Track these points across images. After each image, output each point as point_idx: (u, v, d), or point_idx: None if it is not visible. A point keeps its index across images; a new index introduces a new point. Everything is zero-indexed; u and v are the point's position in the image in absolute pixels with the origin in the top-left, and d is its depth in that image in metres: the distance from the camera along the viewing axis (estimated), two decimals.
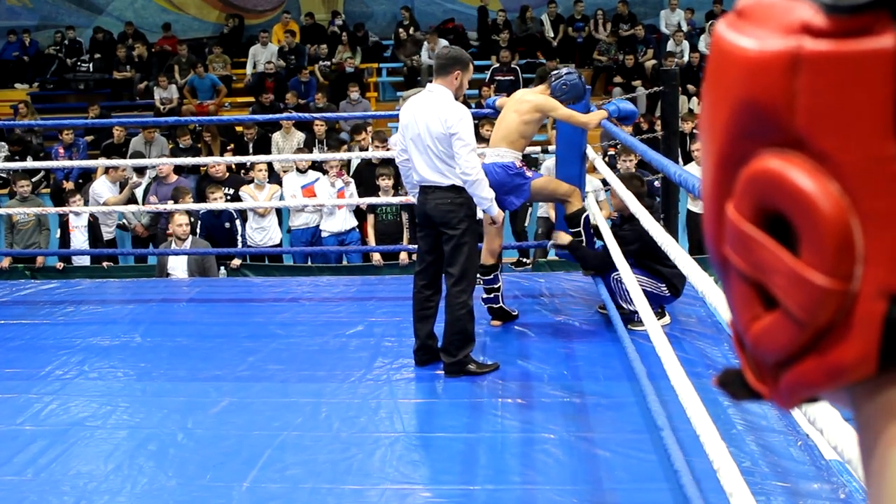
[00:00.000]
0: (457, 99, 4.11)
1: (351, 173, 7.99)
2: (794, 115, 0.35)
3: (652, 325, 3.19)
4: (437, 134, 3.99)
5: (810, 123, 0.34)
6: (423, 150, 4.04)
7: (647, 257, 4.48)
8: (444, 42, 13.01)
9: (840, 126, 0.34)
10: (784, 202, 0.35)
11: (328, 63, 13.00)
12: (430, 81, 4.17)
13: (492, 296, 4.84)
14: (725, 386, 0.43)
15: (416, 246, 6.86)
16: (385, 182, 7.22)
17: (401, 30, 13.59)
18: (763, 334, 0.38)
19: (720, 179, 0.38)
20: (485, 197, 4.07)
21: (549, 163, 6.73)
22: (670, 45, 12.50)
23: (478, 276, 4.99)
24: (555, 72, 5.01)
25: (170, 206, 6.94)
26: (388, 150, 8.20)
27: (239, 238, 7.28)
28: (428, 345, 4.24)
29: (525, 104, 4.78)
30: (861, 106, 0.33)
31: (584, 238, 4.90)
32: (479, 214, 7.11)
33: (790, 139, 0.35)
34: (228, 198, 7.55)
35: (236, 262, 7.23)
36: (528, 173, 4.79)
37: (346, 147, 8.80)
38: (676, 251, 2.81)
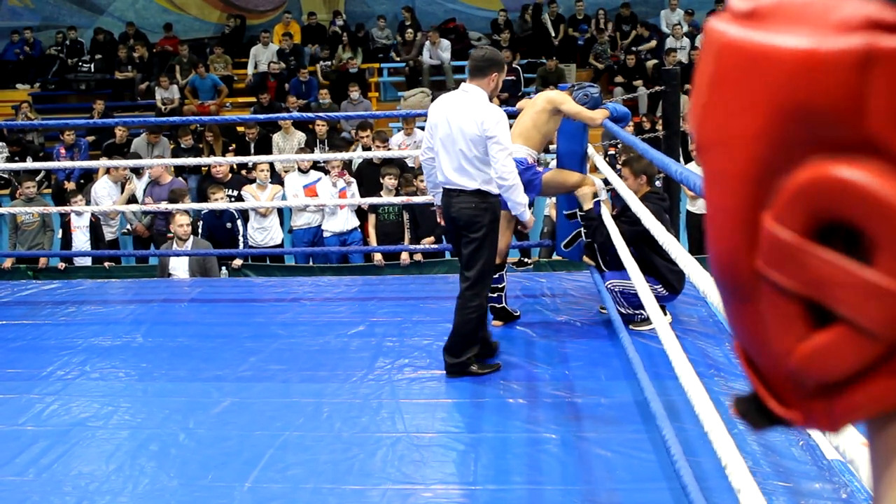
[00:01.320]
0: (490, 100, 4.04)
1: (353, 173, 8.00)
2: (865, 117, 0.32)
3: (659, 321, 3.19)
4: (471, 136, 3.90)
5: (887, 125, 0.32)
6: (453, 151, 3.96)
7: (649, 244, 4.47)
8: (446, 42, 13.03)
9: None
10: (857, 211, 0.33)
11: (329, 63, 13.00)
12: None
13: (495, 295, 4.84)
14: (745, 416, 0.41)
15: (417, 246, 6.92)
16: (390, 181, 7.21)
17: (408, 31, 13.59)
18: (819, 354, 0.35)
19: (751, 191, 0.35)
20: (519, 202, 4.00)
21: (551, 164, 6.73)
22: (670, 43, 12.50)
23: None
24: (577, 83, 5.14)
25: (171, 206, 6.94)
26: (388, 149, 8.20)
27: (241, 239, 7.29)
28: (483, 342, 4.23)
29: (539, 98, 4.89)
30: None
31: (599, 222, 4.89)
32: None
33: (856, 143, 0.33)
34: (231, 199, 7.56)
35: (238, 262, 7.23)
36: (539, 168, 4.84)
37: (353, 147, 8.81)
38: (677, 250, 2.81)
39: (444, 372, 4.16)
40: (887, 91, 0.31)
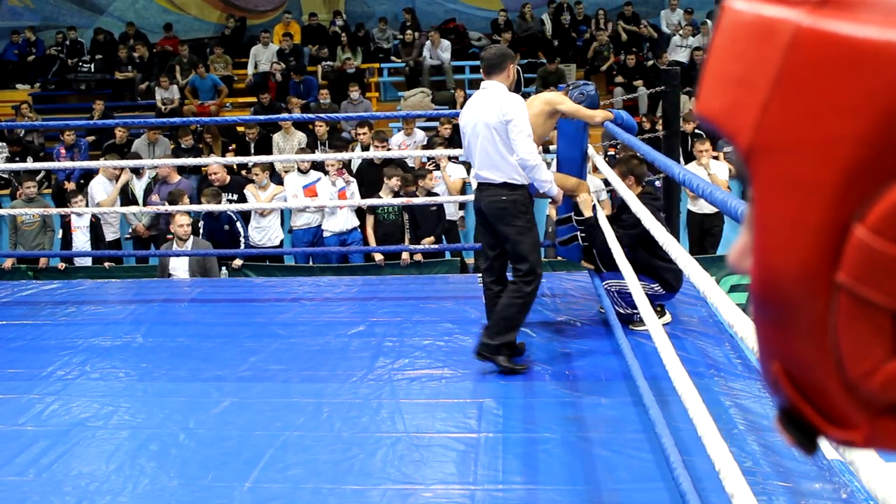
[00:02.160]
0: (510, 89, 4.19)
1: (352, 172, 8.00)
2: None
3: (653, 325, 3.19)
4: (494, 124, 4.05)
5: None
6: (481, 147, 4.11)
7: (646, 244, 4.47)
8: (446, 42, 13.03)
9: None
10: None
11: (329, 63, 13.00)
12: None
13: None
14: (799, 445, 0.39)
15: (416, 247, 6.92)
16: (395, 182, 7.21)
17: (407, 32, 13.59)
18: None
19: (840, 201, 0.32)
20: (544, 180, 4.15)
21: (552, 165, 6.73)
22: (674, 42, 12.50)
23: (481, 275, 5.00)
24: (573, 82, 5.14)
25: (171, 206, 6.94)
26: (388, 149, 8.21)
27: (242, 240, 7.29)
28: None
29: (536, 101, 4.89)
30: None
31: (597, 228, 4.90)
32: None
33: None
34: (231, 202, 7.56)
35: (238, 262, 7.24)
36: None
37: (351, 146, 8.80)
38: (677, 250, 2.81)
39: (475, 352, 4.13)
40: None
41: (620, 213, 4.77)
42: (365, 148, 8.40)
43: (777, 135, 0.34)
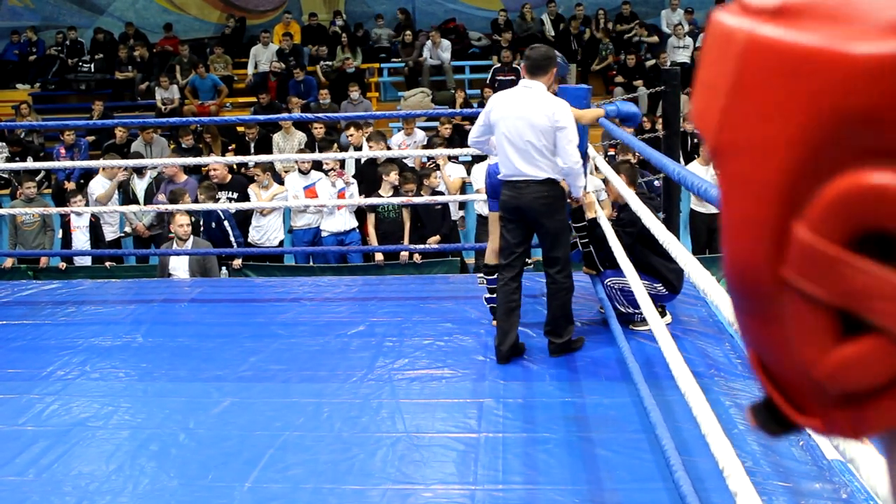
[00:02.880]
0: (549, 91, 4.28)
1: (354, 172, 8.00)
2: None
3: (656, 325, 3.19)
4: (542, 127, 4.10)
5: None
6: (523, 144, 4.13)
7: (645, 243, 4.47)
8: (446, 42, 13.03)
9: None
10: None
11: (328, 64, 13.00)
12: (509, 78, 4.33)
13: (495, 296, 4.84)
14: (763, 427, 0.40)
15: (416, 246, 6.92)
16: (392, 176, 7.19)
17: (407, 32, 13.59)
18: (849, 365, 0.34)
19: (782, 199, 0.34)
20: (580, 185, 4.35)
21: None
22: (671, 43, 12.50)
23: (482, 275, 5.00)
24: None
25: (171, 206, 6.94)
26: (388, 148, 8.20)
27: (232, 239, 7.29)
28: (514, 339, 4.33)
29: None
30: None
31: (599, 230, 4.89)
32: (482, 211, 7.12)
33: None
34: (232, 201, 7.56)
35: (238, 262, 7.24)
36: None
37: (336, 146, 8.74)
38: (677, 249, 2.81)
39: (548, 353, 4.35)
40: None
41: (622, 210, 4.76)
42: (357, 149, 8.37)
43: (732, 137, 0.36)
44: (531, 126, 4.11)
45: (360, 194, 7.63)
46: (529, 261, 7.28)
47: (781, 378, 0.38)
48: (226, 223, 7.29)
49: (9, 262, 7.34)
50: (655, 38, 13.04)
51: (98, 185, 8.27)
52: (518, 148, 4.14)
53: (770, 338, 0.37)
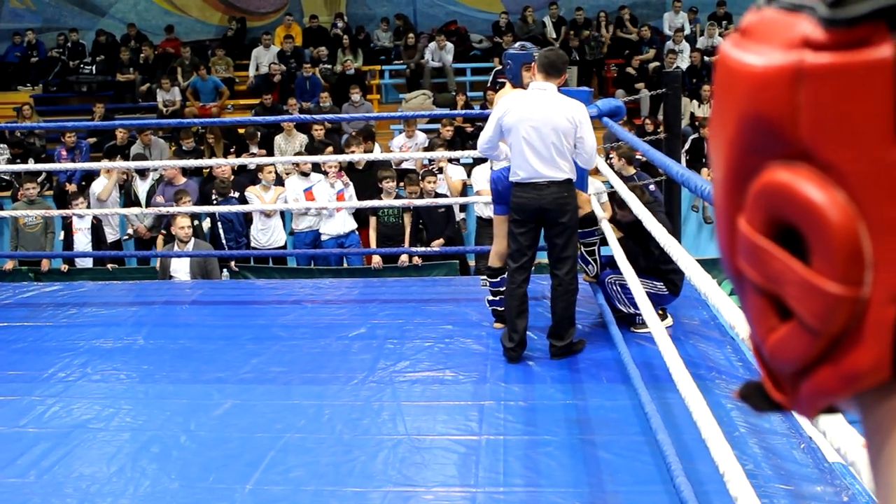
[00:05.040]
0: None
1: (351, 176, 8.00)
2: (799, 127, 0.35)
3: (656, 326, 3.19)
4: (564, 129, 4.14)
5: (815, 135, 0.35)
6: (543, 146, 4.15)
7: (647, 241, 4.46)
8: (449, 44, 13.03)
9: (843, 136, 0.34)
10: (793, 213, 0.36)
11: (328, 66, 13.00)
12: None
13: (497, 298, 4.84)
14: (747, 398, 0.44)
15: (417, 249, 6.92)
16: (388, 184, 7.21)
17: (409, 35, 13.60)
18: (779, 345, 0.38)
19: (731, 194, 0.39)
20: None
21: None
22: (670, 46, 12.49)
23: (485, 278, 4.99)
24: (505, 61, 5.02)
25: (172, 208, 6.95)
26: (388, 150, 8.20)
27: (223, 241, 7.29)
28: (523, 340, 4.37)
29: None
30: (863, 115, 0.34)
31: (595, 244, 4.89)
32: (483, 213, 7.11)
33: (797, 151, 0.36)
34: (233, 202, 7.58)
35: (231, 264, 7.24)
36: None
37: (330, 149, 8.69)
38: (678, 252, 2.81)
39: (550, 355, 4.35)
40: (813, 104, 0.35)
41: (622, 207, 4.75)
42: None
43: (710, 141, 0.41)
44: (554, 128, 4.13)
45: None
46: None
47: (763, 356, 0.42)
48: (219, 225, 7.30)
49: (10, 264, 7.34)
50: (656, 42, 13.03)
51: (100, 187, 8.28)
52: (538, 150, 4.15)
53: (748, 317, 0.41)
